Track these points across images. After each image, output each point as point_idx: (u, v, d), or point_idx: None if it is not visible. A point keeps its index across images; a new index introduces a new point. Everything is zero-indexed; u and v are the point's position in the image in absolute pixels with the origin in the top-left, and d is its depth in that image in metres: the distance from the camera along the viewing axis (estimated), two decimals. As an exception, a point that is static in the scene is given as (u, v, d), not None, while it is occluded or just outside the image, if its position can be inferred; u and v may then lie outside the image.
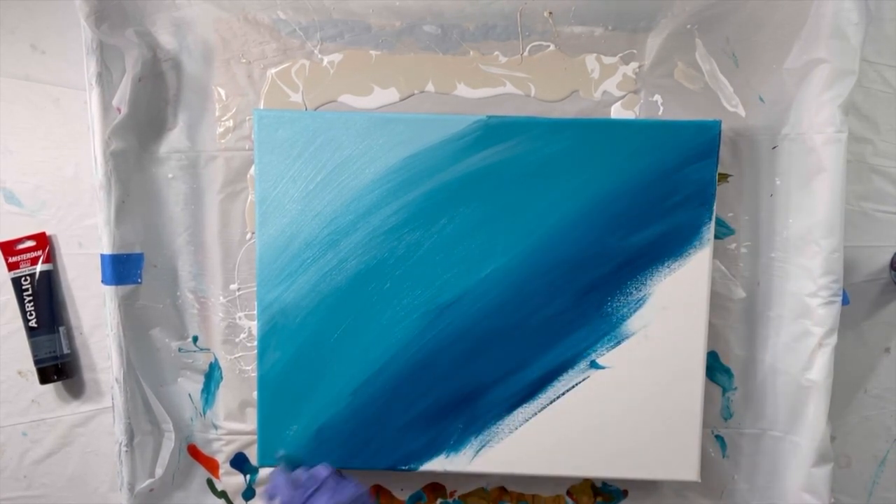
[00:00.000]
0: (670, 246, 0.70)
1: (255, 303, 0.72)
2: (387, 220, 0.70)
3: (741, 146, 0.74)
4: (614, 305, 0.71)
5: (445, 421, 0.72)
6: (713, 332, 0.75)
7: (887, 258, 0.75)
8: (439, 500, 0.79)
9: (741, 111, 0.73)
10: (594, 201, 0.70)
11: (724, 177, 0.74)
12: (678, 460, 0.72)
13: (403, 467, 0.72)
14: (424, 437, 0.72)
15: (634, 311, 0.71)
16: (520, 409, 0.72)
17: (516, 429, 0.72)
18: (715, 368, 0.76)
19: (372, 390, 0.72)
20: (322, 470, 0.67)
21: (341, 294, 0.71)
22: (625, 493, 0.78)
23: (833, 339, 0.70)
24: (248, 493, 0.79)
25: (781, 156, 0.73)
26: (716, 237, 0.74)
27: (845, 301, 0.71)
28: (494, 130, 0.69)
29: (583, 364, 0.71)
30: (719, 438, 0.77)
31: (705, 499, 0.78)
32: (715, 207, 0.69)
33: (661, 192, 0.69)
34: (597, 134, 0.69)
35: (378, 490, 0.79)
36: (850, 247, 0.71)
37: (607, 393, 0.71)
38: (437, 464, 0.72)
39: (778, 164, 0.73)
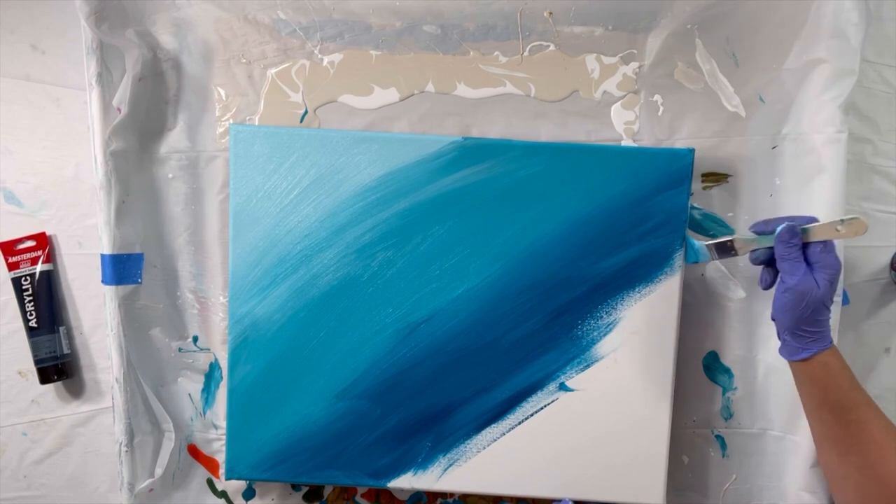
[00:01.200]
0: (641, 271, 0.70)
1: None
2: (360, 238, 0.70)
3: (741, 146, 0.74)
4: (584, 329, 0.71)
5: (414, 438, 0.72)
6: (713, 332, 0.75)
7: (887, 258, 0.75)
8: (439, 501, 0.79)
9: (741, 111, 0.73)
10: (567, 225, 0.70)
11: (723, 177, 0.74)
12: (644, 484, 0.72)
13: (371, 483, 0.73)
14: (393, 454, 0.72)
15: (604, 335, 0.71)
16: (488, 429, 0.72)
17: (484, 448, 0.72)
18: (715, 368, 0.76)
19: (342, 406, 0.72)
20: None
21: (313, 310, 0.71)
22: (625, 493, 0.78)
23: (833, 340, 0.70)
24: (249, 493, 0.79)
25: (781, 156, 0.73)
26: (716, 237, 0.74)
27: (845, 301, 0.71)
28: (470, 152, 0.70)
29: (552, 386, 0.71)
30: (719, 438, 0.77)
31: (705, 499, 0.78)
32: (686, 233, 0.69)
33: (633, 218, 0.69)
34: (571, 158, 0.69)
35: (378, 490, 0.79)
36: (850, 247, 0.71)
37: (576, 415, 0.71)
38: (405, 481, 0.72)
39: (778, 164, 0.73)
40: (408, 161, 0.70)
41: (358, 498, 0.79)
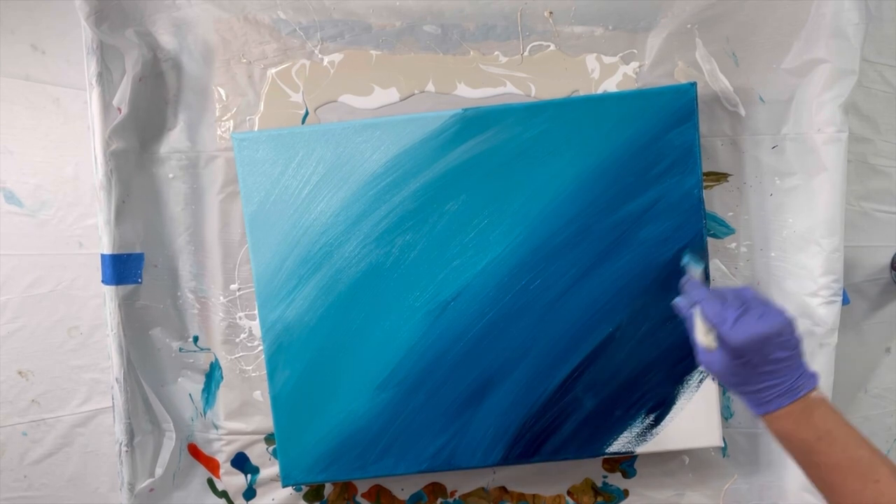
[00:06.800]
0: (663, 215, 0.69)
1: (258, 322, 0.72)
2: (377, 226, 0.70)
3: (741, 146, 0.74)
4: (617, 281, 0.70)
5: (463, 418, 0.72)
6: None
7: (887, 258, 0.75)
8: (440, 500, 0.79)
9: (741, 111, 0.73)
10: (581, 179, 0.69)
11: (723, 176, 0.74)
12: (700, 428, 0.71)
13: (431, 468, 0.72)
14: (444, 436, 0.72)
15: (636, 282, 0.70)
16: (538, 395, 0.71)
17: (538, 415, 0.71)
18: (715, 368, 0.76)
19: (385, 396, 0.72)
20: (747, 291, 0.58)
21: (342, 305, 0.71)
22: (625, 493, 0.78)
23: (833, 339, 0.70)
24: (249, 492, 0.79)
25: (781, 156, 0.73)
26: (716, 236, 0.74)
27: (845, 301, 0.71)
28: (472, 122, 0.69)
29: (592, 339, 0.71)
30: (719, 438, 0.77)
31: (705, 499, 0.78)
32: (701, 167, 0.69)
33: (645, 162, 0.69)
34: (574, 113, 0.69)
35: (378, 490, 0.79)
36: (850, 247, 0.71)
37: (623, 367, 0.71)
38: (467, 462, 0.72)
39: (778, 164, 0.73)
40: (412, 141, 0.70)
41: (358, 498, 0.79)
